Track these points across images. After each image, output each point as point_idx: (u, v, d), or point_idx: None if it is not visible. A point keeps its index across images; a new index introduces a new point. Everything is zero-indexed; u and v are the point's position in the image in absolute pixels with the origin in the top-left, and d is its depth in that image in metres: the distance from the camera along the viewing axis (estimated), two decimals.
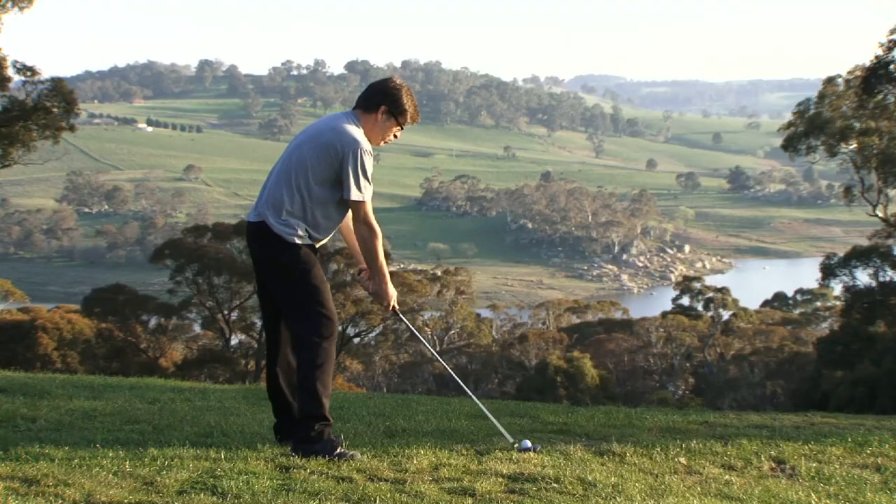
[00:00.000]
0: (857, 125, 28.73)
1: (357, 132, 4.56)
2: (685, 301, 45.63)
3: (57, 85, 25.16)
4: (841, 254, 34.36)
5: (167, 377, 17.12)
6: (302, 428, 4.46)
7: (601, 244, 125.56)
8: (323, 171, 4.50)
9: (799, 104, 31.02)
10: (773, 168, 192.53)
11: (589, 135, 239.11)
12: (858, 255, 32.06)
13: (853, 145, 29.05)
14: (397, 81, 4.73)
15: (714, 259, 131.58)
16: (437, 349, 40.80)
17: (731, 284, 53.46)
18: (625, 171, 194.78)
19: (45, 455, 4.31)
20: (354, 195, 4.50)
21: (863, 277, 32.16)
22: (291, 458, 4.40)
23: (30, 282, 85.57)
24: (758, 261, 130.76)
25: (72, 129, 26.06)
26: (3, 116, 24.26)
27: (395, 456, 4.50)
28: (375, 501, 3.75)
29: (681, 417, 6.30)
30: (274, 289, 4.62)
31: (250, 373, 29.65)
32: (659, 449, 4.91)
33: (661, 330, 40.24)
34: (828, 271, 33.34)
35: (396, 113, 4.67)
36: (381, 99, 4.66)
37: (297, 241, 4.53)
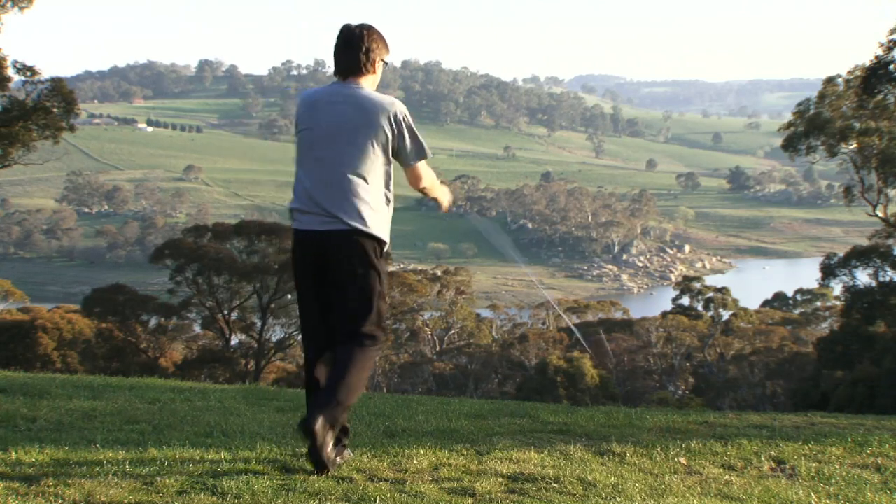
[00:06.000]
0: (857, 125, 28.74)
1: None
2: (685, 301, 45.65)
3: (57, 85, 25.15)
4: (841, 254, 34.38)
5: (167, 377, 17.11)
6: None
7: (601, 244, 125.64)
8: None
9: (799, 104, 31.02)
10: (773, 168, 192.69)
11: (589, 135, 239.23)
12: (858, 255, 32.08)
13: (853, 145, 29.06)
14: (363, 24, 4.41)
15: (714, 259, 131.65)
16: (437, 349, 40.83)
17: (731, 284, 53.44)
18: (625, 171, 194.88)
19: (45, 455, 4.31)
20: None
21: (863, 277, 32.18)
22: (291, 457, 4.40)
23: (30, 282, 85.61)
24: (758, 261, 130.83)
25: (72, 129, 26.05)
26: (3, 116, 24.25)
27: (395, 456, 4.50)
28: (375, 501, 3.75)
29: (681, 417, 6.30)
30: None
31: (250, 373, 29.66)
32: (659, 449, 4.91)
33: (661, 330, 40.25)
34: (828, 271, 33.35)
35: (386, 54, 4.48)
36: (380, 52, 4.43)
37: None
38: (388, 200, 4.39)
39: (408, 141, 4.32)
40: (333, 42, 4.39)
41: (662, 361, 39.75)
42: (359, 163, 4.28)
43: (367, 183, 4.29)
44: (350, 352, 4.26)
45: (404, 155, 4.33)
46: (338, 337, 4.34)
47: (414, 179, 4.41)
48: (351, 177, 4.28)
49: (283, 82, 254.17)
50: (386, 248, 4.39)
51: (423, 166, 4.40)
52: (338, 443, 4.31)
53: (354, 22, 4.43)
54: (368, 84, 4.38)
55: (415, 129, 4.34)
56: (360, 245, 4.28)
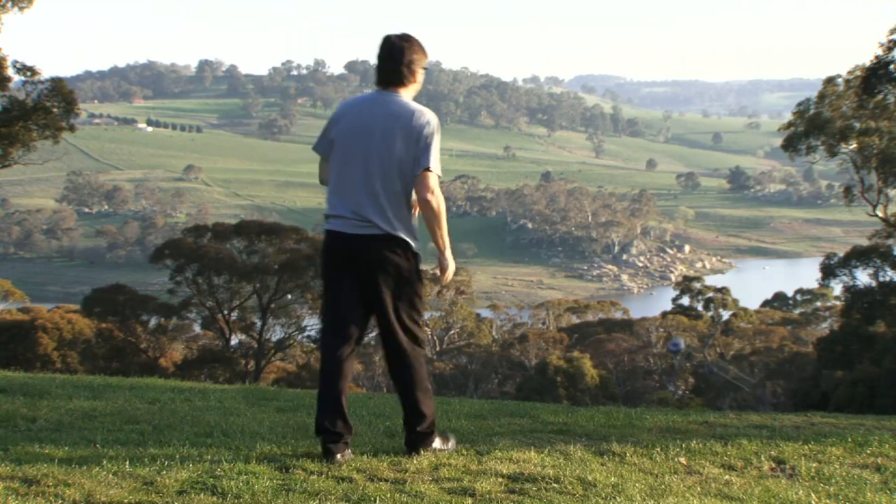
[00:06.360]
0: (857, 125, 28.72)
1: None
2: (685, 301, 45.65)
3: (57, 85, 25.13)
4: (841, 254, 34.36)
5: (167, 377, 17.10)
6: None
7: (601, 244, 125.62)
8: None
9: (799, 104, 31.00)
10: (773, 168, 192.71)
11: (589, 135, 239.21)
12: (858, 255, 32.06)
13: (853, 145, 29.03)
14: (403, 36, 4.56)
15: (714, 259, 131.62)
16: (437, 349, 40.84)
17: (731, 284, 53.43)
18: (625, 171, 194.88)
19: (45, 455, 4.31)
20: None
21: (863, 277, 32.16)
22: (291, 457, 4.40)
23: (30, 282, 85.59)
24: (758, 261, 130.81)
25: (72, 129, 26.01)
26: (3, 116, 24.23)
27: (395, 456, 4.50)
28: (375, 501, 3.75)
29: (681, 417, 6.29)
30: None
31: (250, 373, 29.65)
32: (659, 449, 4.91)
33: (661, 330, 40.23)
34: (828, 271, 33.34)
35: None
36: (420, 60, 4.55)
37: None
38: (412, 206, 4.50)
39: (420, 149, 4.37)
40: (376, 51, 4.52)
41: (662, 361, 39.73)
42: (388, 168, 4.38)
43: (396, 188, 4.39)
44: (402, 369, 4.56)
45: (415, 161, 4.39)
46: (357, 341, 4.55)
47: (421, 187, 4.39)
48: (380, 182, 4.38)
49: (283, 82, 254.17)
50: (416, 247, 4.49)
51: (432, 178, 4.39)
52: (340, 439, 4.38)
53: (395, 33, 4.56)
54: (408, 93, 4.52)
55: (435, 142, 4.40)
56: (389, 248, 4.41)
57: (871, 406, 21.26)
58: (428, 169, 4.37)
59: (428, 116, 4.41)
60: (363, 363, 36.54)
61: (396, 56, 4.46)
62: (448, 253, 4.54)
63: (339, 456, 4.32)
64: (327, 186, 4.61)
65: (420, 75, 4.54)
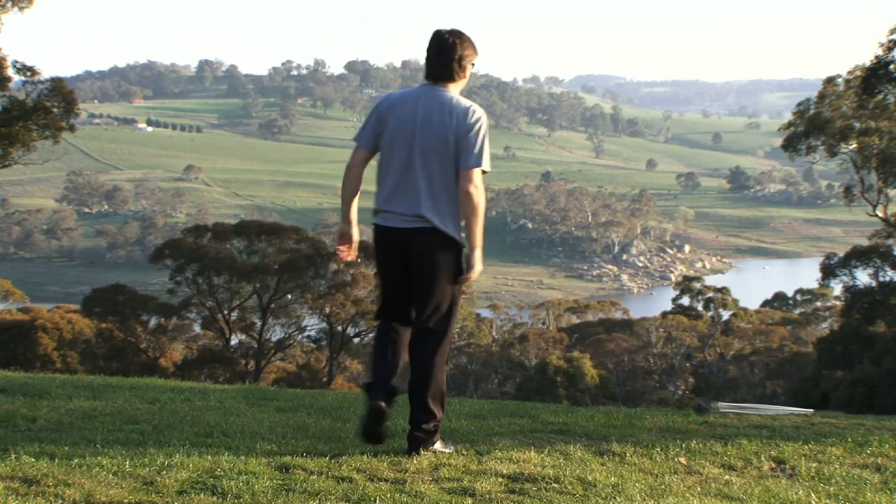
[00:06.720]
0: (857, 125, 28.73)
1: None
2: (685, 301, 45.66)
3: (57, 85, 25.14)
4: (841, 254, 34.39)
5: (167, 377, 17.09)
6: None
7: (601, 244, 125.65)
8: None
9: (799, 104, 31.02)
10: (773, 168, 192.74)
11: (589, 135, 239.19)
12: (858, 255, 32.09)
13: (853, 145, 29.05)
14: (454, 32, 4.54)
15: (714, 259, 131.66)
16: None
17: (731, 284, 53.44)
18: (625, 171, 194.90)
19: (45, 455, 4.31)
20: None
21: (863, 277, 32.20)
22: (291, 457, 4.41)
23: (30, 282, 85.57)
24: (758, 261, 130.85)
25: (72, 129, 26.04)
26: (3, 116, 24.24)
27: (395, 456, 4.50)
28: (375, 501, 3.75)
29: (681, 417, 6.29)
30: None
31: (250, 373, 29.66)
32: (659, 449, 4.91)
33: (661, 330, 40.23)
34: (828, 271, 33.37)
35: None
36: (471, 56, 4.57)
37: None
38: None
39: (471, 144, 4.40)
40: (426, 46, 4.53)
41: (662, 361, 39.74)
42: (445, 165, 4.42)
43: (451, 184, 4.43)
44: (426, 362, 4.53)
45: (463, 156, 4.41)
46: (410, 319, 4.60)
47: (465, 180, 4.41)
48: (437, 178, 4.43)
49: (283, 82, 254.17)
50: (461, 242, 4.52)
51: (477, 174, 4.43)
52: (393, 392, 4.52)
53: (446, 28, 4.57)
54: (457, 88, 4.54)
55: (484, 138, 4.44)
56: (438, 242, 4.45)
57: (871, 406, 21.28)
58: (477, 165, 4.41)
59: (479, 113, 4.45)
60: (363, 363, 36.53)
61: (448, 51, 4.48)
62: (479, 253, 4.52)
63: (381, 403, 4.43)
64: (351, 169, 4.62)
65: (469, 71, 4.57)
